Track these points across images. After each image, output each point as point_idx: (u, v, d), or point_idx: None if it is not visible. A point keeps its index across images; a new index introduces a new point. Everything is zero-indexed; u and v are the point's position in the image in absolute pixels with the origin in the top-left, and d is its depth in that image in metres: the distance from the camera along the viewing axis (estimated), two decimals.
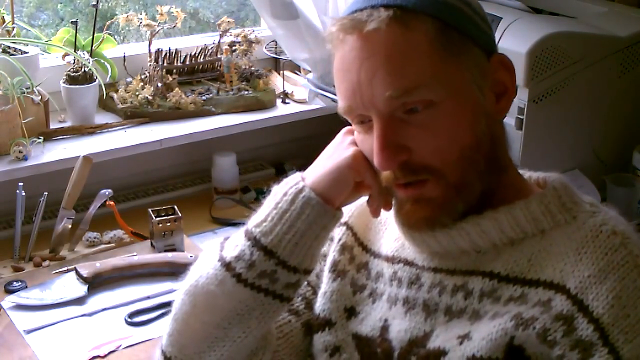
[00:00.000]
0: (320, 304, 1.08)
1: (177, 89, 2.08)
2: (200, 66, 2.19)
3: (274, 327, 1.07)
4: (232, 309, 0.99)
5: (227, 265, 0.99)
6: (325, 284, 1.08)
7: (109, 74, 2.03)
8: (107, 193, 1.78)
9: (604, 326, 0.86)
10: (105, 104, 2.08)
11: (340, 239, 1.10)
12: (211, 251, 1.04)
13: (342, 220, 1.10)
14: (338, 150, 1.00)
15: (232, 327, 1.00)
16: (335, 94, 2.02)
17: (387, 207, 1.00)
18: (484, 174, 0.95)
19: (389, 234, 1.08)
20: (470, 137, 0.93)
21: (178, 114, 2.06)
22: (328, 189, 0.98)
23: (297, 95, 2.21)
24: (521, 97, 1.76)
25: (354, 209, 1.12)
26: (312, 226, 0.97)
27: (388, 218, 1.09)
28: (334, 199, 0.99)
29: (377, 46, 0.91)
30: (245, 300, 0.99)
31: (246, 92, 2.14)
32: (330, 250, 1.11)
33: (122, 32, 2.30)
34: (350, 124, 1.01)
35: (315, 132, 2.26)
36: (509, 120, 1.75)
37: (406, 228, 0.99)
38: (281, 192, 1.00)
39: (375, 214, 1.01)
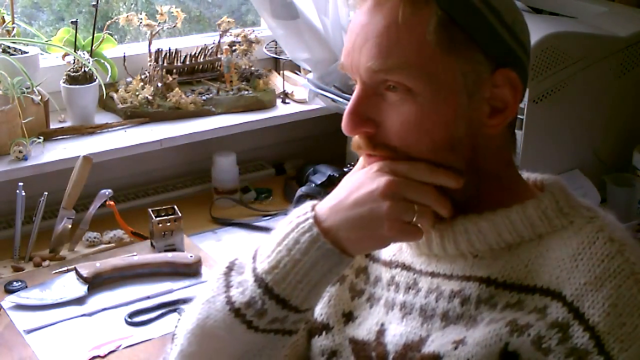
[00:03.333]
0: (318, 309, 1.07)
1: (177, 89, 2.08)
2: (200, 66, 2.19)
3: None
4: (242, 349, 0.97)
5: (236, 311, 0.95)
6: None
7: (109, 74, 2.04)
8: (107, 193, 1.78)
9: (600, 334, 0.86)
10: (105, 104, 2.08)
11: None
12: (216, 284, 0.99)
13: None
14: (371, 218, 0.92)
15: None
16: (334, 94, 2.04)
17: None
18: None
19: None
20: (443, 135, 0.92)
21: (178, 114, 2.06)
22: (353, 244, 0.92)
23: (297, 95, 2.21)
24: None
25: None
26: (326, 275, 0.93)
27: None
28: (357, 252, 0.94)
29: (382, 18, 0.90)
30: (255, 342, 0.96)
31: (246, 92, 2.14)
32: None
33: (120, 28, 2.29)
34: None
35: (315, 132, 2.26)
36: None
37: None
38: (293, 237, 0.93)
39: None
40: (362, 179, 0.93)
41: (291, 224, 0.95)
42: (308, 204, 0.96)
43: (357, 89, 0.94)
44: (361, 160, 0.99)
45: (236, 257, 1.01)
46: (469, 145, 0.93)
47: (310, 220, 0.93)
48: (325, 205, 0.94)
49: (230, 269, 0.99)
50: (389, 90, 0.92)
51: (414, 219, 0.92)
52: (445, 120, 0.91)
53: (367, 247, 0.96)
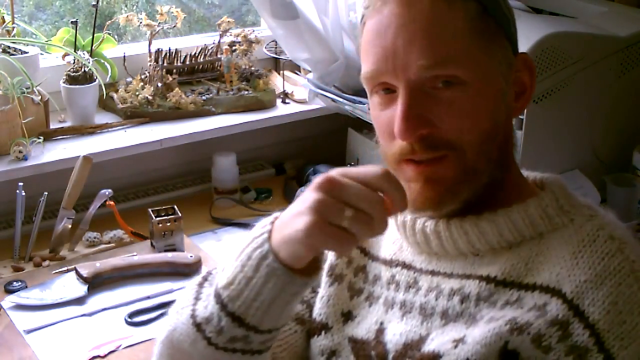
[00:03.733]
0: (317, 309, 1.07)
1: (177, 89, 2.08)
2: (200, 66, 2.19)
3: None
4: None
5: (197, 326, 0.92)
6: (323, 288, 1.07)
7: (109, 74, 2.04)
8: (107, 193, 1.78)
9: (600, 332, 0.86)
10: (105, 104, 2.08)
11: None
12: (188, 295, 0.96)
13: None
14: (297, 213, 0.83)
15: None
16: (334, 94, 2.04)
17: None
18: (493, 165, 0.95)
19: (388, 237, 1.06)
20: (489, 123, 0.94)
21: (178, 114, 2.06)
22: (289, 258, 0.85)
23: (297, 95, 2.21)
24: None
25: None
26: (280, 294, 0.87)
27: None
28: (298, 266, 0.86)
29: (419, 14, 0.90)
30: (223, 358, 0.92)
31: (246, 92, 2.14)
32: (328, 254, 1.09)
33: (118, 29, 2.29)
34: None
35: (315, 132, 2.26)
36: None
37: (411, 209, 0.95)
38: (247, 252, 0.88)
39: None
40: (298, 211, 0.84)
41: (249, 237, 0.90)
42: (273, 216, 0.91)
43: (402, 92, 0.92)
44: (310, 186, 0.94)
45: (216, 267, 0.98)
46: (504, 132, 0.96)
47: (265, 235, 0.87)
48: (277, 223, 0.88)
49: (205, 279, 0.98)
50: (437, 88, 0.91)
51: (346, 223, 0.81)
52: (491, 108, 0.94)
53: (296, 251, 0.84)
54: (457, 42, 0.91)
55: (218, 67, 2.20)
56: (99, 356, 1.47)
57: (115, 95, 2.07)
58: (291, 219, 0.84)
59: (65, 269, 1.70)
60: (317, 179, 0.83)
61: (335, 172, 0.83)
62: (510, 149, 1.00)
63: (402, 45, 0.91)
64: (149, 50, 2.10)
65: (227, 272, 0.90)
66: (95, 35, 2.00)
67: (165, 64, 2.10)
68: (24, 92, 1.84)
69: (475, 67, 0.92)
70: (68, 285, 1.64)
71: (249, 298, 0.88)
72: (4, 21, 1.94)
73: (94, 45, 2.01)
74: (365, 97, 2.07)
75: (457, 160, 0.93)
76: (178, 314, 0.97)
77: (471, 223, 0.95)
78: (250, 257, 0.88)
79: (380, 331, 1.00)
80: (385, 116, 0.95)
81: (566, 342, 0.87)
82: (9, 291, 1.63)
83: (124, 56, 2.11)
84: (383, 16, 0.92)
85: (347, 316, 1.05)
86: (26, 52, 1.92)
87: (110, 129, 2.00)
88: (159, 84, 2.07)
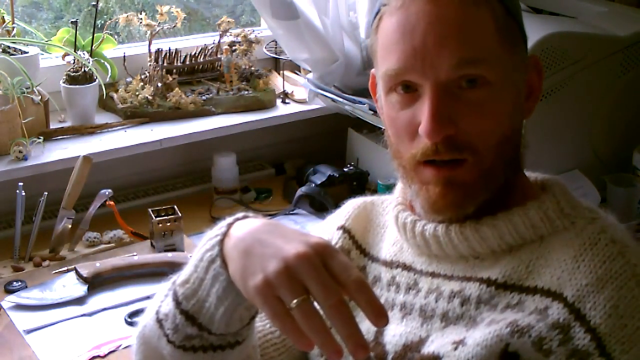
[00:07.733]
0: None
1: (177, 89, 2.08)
2: (200, 66, 2.19)
3: (258, 349, 1.01)
4: None
5: (159, 322, 0.91)
6: None
7: (109, 74, 2.04)
8: (107, 193, 1.78)
9: (601, 336, 0.86)
10: (105, 104, 2.08)
11: (336, 243, 1.08)
12: (163, 288, 0.94)
13: (339, 223, 1.09)
14: (261, 255, 0.79)
15: None
16: (334, 94, 2.03)
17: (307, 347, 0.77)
18: (508, 167, 0.95)
19: (388, 238, 1.07)
20: (508, 126, 0.94)
21: (178, 114, 2.06)
22: (237, 280, 0.81)
23: (297, 95, 2.21)
24: None
25: (351, 211, 1.10)
26: (223, 301, 0.85)
27: (387, 221, 1.08)
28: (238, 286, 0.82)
29: (450, 13, 0.89)
30: (185, 358, 0.90)
31: (246, 92, 2.14)
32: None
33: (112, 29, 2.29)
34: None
35: (315, 132, 2.26)
36: None
37: (430, 212, 0.95)
38: (201, 252, 0.86)
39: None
40: (297, 232, 0.82)
41: (206, 236, 0.87)
42: (233, 217, 0.87)
43: (429, 91, 0.90)
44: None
45: None
46: (518, 134, 0.96)
47: (218, 238, 0.85)
48: (246, 227, 0.84)
49: (179, 274, 0.95)
50: (463, 89, 0.91)
51: (293, 304, 0.75)
52: (511, 110, 0.94)
53: (240, 285, 0.81)
54: (486, 42, 0.91)
55: (218, 67, 2.20)
56: (99, 356, 1.47)
57: (115, 95, 2.07)
58: (254, 256, 0.79)
59: (65, 269, 1.70)
60: (313, 243, 0.77)
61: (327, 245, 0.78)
62: (521, 150, 0.99)
63: (432, 43, 0.89)
64: (149, 50, 2.10)
65: (185, 270, 0.89)
66: (95, 35, 2.00)
67: (165, 64, 2.10)
68: (24, 92, 1.84)
69: (501, 68, 0.91)
70: (68, 285, 1.64)
71: (201, 298, 0.86)
72: (4, 21, 1.94)
73: (94, 45, 2.01)
74: (365, 97, 2.06)
75: (476, 164, 0.92)
76: (150, 309, 0.97)
77: (471, 228, 0.95)
78: (202, 259, 0.86)
79: (380, 332, 1.00)
80: (405, 116, 0.93)
81: (567, 345, 0.86)
82: (9, 291, 1.63)
83: (124, 56, 2.11)
84: (409, 13, 0.91)
85: None
86: (26, 52, 1.93)
87: (110, 129, 2.00)
88: (159, 84, 2.08)
